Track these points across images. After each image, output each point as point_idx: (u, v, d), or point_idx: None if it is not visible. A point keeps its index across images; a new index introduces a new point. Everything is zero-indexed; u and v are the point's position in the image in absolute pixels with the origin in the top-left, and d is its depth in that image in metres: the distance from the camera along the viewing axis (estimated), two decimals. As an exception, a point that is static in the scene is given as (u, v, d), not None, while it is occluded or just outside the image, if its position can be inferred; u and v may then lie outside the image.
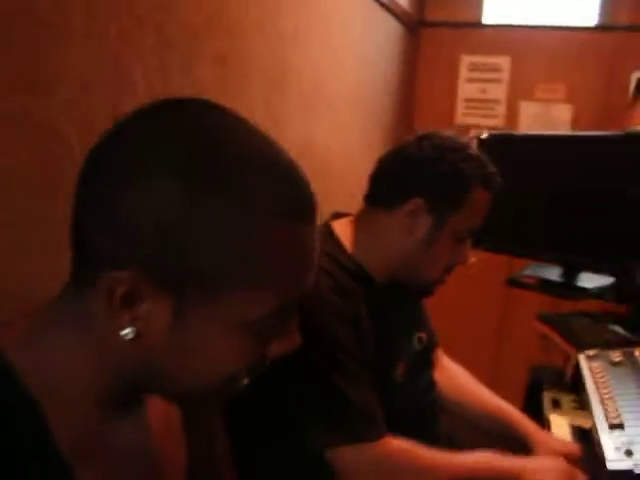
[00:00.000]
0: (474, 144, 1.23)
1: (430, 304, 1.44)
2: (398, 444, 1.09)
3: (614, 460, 0.98)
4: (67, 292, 0.59)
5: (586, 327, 1.73)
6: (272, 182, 0.54)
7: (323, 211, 1.87)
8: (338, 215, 1.29)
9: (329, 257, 1.15)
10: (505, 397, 2.50)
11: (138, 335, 0.54)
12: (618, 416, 1.10)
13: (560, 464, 1.14)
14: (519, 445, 1.33)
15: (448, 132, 1.21)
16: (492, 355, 2.29)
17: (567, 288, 1.86)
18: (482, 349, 2.33)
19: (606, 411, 1.13)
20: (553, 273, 1.91)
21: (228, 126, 0.56)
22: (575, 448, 1.26)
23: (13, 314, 0.60)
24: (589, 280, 1.85)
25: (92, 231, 0.53)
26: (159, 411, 0.69)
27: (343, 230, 1.22)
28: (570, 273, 1.86)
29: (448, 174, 1.14)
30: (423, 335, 1.35)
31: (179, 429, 0.73)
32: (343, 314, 1.10)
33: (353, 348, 1.09)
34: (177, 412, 0.72)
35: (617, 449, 1.00)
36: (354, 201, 2.05)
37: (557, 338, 1.70)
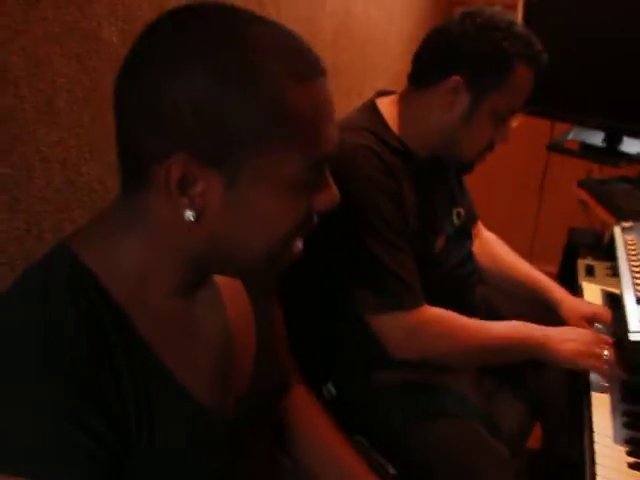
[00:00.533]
0: (519, 19, 1.20)
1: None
2: (433, 312, 1.19)
3: (637, 332, 1.06)
4: (121, 200, 0.67)
5: (626, 194, 1.74)
6: (283, 55, 0.60)
7: (366, 78, 1.86)
8: (383, 93, 1.32)
9: (375, 135, 1.20)
10: (544, 260, 2.59)
11: (198, 215, 0.61)
12: (646, 289, 1.16)
13: (585, 333, 1.22)
14: (551, 312, 1.42)
15: (493, 8, 1.19)
16: (532, 219, 2.33)
17: (609, 153, 1.85)
18: (522, 213, 2.37)
19: (635, 284, 1.19)
20: (596, 138, 1.89)
21: (244, 21, 0.61)
22: (604, 311, 1.34)
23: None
24: (633, 145, 1.84)
25: (136, 132, 0.60)
26: (231, 298, 0.78)
27: (388, 108, 1.26)
28: (613, 138, 1.85)
29: (489, 53, 1.14)
30: (462, 210, 1.40)
31: (249, 314, 0.82)
32: (387, 191, 1.16)
33: (395, 222, 1.16)
34: (246, 298, 0.82)
35: (642, 321, 1.07)
36: (395, 65, 2.03)
37: (596, 206, 1.73)
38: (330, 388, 1.30)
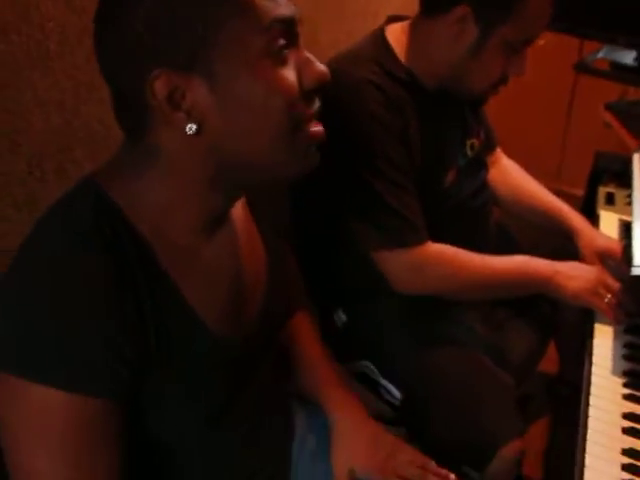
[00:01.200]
0: None
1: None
2: (436, 249, 1.19)
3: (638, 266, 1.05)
4: (129, 145, 0.70)
5: (654, 117, 1.68)
6: None
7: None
8: (394, 18, 1.28)
9: (380, 67, 1.17)
10: (571, 183, 2.54)
11: (199, 125, 0.64)
12: (657, 220, 1.14)
13: (590, 271, 1.22)
14: (568, 240, 1.41)
15: None
16: (559, 143, 2.27)
17: (641, 73, 1.77)
18: (549, 136, 2.31)
19: (647, 214, 1.17)
20: (627, 57, 1.81)
21: None
22: (618, 246, 1.32)
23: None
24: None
25: (117, 72, 0.65)
26: (245, 237, 0.82)
27: (397, 37, 1.22)
28: (646, 57, 1.76)
29: None
30: (475, 141, 1.37)
31: (261, 251, 0.86)
32: (392, 127, 1.14)
33: (399, 160, 1.15)
34: (258, 238, 0.86)
35: (647, 254, 1.07)
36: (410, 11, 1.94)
37: (620, 129, 1.68)
38: (341, 315, 1.34)
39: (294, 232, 1.36)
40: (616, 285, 1.18)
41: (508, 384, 1.21)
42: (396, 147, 1.15)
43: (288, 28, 0.66)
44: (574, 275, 1.20)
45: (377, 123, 1.13)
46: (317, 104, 0.70)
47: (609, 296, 1.17)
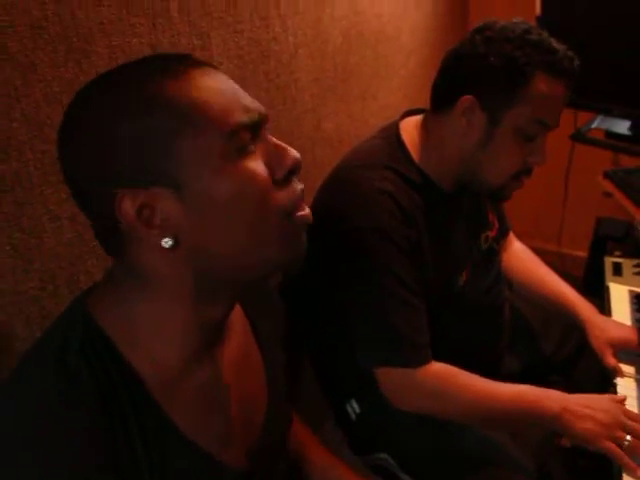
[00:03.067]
0: (538, 9, 1.12)
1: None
2: (437, 370, 1.14)
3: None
4: (116, 265, 0.69)
5: (654, 185, 1.71)
6: (153, 64, 0.64)
7: (381, 79, 1.84)
8: (409, 112, 1.27)
9: (395, 173, 1.14)
10: (572, 246, 2.56)
11: (175, 237, 0.62)
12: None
13: (607, 410, 1.08)
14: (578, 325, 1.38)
15: (511, 21, 1.12)
16: (559, 207, 2.30)
17: (636, 142, 1.81)
18: (549, 201, 2.34)
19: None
20: (621, 126, 1.85)
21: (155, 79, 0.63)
22: (632, 336, 1.28)
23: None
24: (660, 133, 1.79)
25: (87, 192, 0.64)
26: (241, 356, 0.79)
27: (411, 135, 1.20)
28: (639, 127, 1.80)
29: (499, 66, 1.08)
30: (490, 233, 1.35)
31: (260, 369, 0.83)
32: (402, 242, 1.11)
33: (407, 277, 1.12)
34: (257, 353, 0.83)
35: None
36: (411, 61, 2.00)
37: (622, 198, 1.70)
38: (354, 405, 1.32)
39: (304, 328, 1.34)
40: (637, 425, 1.05)
41: (528, 468, 1.18)
42: (405, 263, 1.11)
43: (253, 128, 0.65)
44: (585, 414, 1.07)
45: (387, 239, 1.09)
46: (299, 187, 0.68)
47: (628, 438, 1.03)
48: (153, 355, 0.67)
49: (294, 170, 0.67)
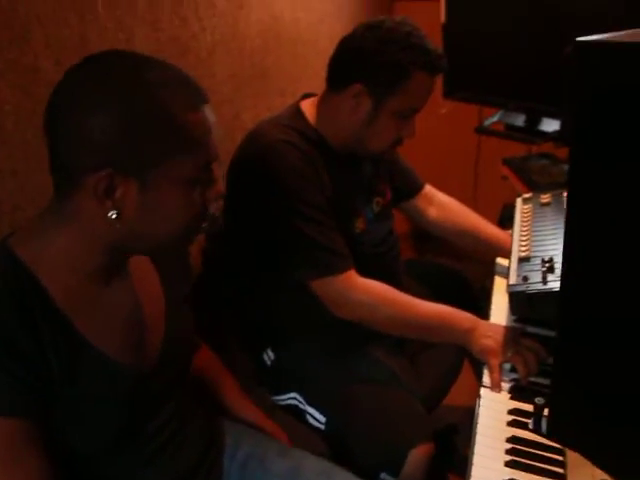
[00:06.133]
0: (442, 6, 1.40)
1: (409, 152, 1.72)
2: (364, 281, 1.41)
3: (513, 285, 1.31)
4: (55, 202, 0.89)
5: (542, 169, 1.99)
6: (177, 93, 0.86)
7: (300, 78, 2.09)
8: (308, 95, 1.57)
9: (294, 130, 1.44)
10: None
11: (120, 213, 0.85)
12: (527, 250, 1.40)
13: (507, 335, 1.32)
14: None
15: (396, 20, 1.41)
16: (469, 196, 2.59)
17: (530, 133, 2.10)
18: (460, 190, 2.63)
19: (520, 246, 1.43)
20: (518, 119, 2.14)
21: (134, 62, 0.87)
22: None
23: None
24: (551, 125, 2.08)
25: (70, 153, 0.83)
26: (140, 279, 1.01)
27: (309, 108, 1.51)
28: (533, 119, 2.09)
29: (386, 64, 1.37)
30: (380, 199, 1.64)
31: (158, 291, 1.06)
32: (309, 177, 1.40)
33: (318, 202, 1.40)
34: (156, 279, 1.06)
35: (518, 276, 1.32)
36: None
37: (515, 180, 1.98)
38: (269, 353, 1.55)
39: (225, 281, 1.59)
40: (529, 342, 1.29)
41: (414, 400, 1.42)
42: (315, 192, 1.40)
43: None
44: (489, 335, 1.32)
45: (296, 174, 1.38)
46: (216, 208, 0.94)
47: (510, 352, 1.27)
48: (60, 276, 0.88)
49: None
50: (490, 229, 1.79)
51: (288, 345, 1.54)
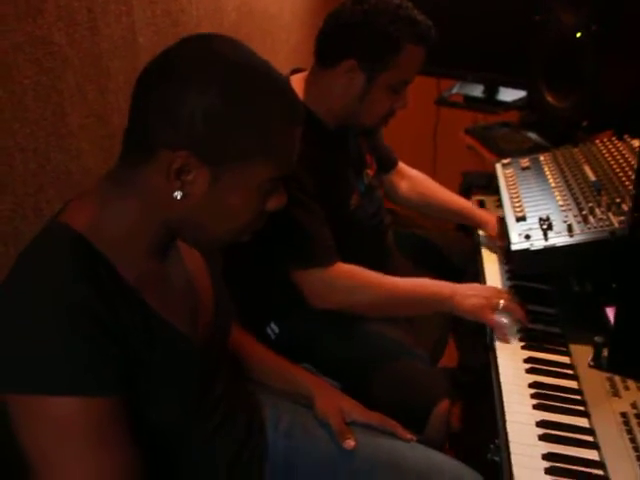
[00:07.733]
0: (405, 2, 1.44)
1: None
2: (346, 268, 1.44)
3: (516, 243, 1.38)
4: (118, 171, 0.89)
5: (505, 136, 2.10)
6: (282, 104, 0.87)
7: (267, 51, 2.10)
8: (296, 70, 1.56)
9: None
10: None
11: (185, 196, 0.85)
12: (522, 210, 1.49)
13: (487, 289, 1.43)
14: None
15: None
16: (429, 167, 2.68)
17: (489, 103, 2.20)
18: (420, 163, 2.72)
19: (514, 207, 1.51)
20: (477, 90, 2.23)
21: (247, 56, 0.88)
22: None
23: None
24: (508, 94, 2.19)
25: (155, 123, 0.83)
26: (190, 256, 1.03)
27: (298, 84, 1.49)
28: (491, 89, 2.19)
29: (376, 37, 1.39)
30: (369, 171, 1.68)
31: (204, 267, 1.07)
32: (303, 160, 1.39)
33: (312, 189, 1.41)
34: (199, 257, 1.06)
35: (519, 235, 1.40)
36: (292, 38, 2.28)
37: (481, 149, 2.07)
38: (273, 327, 1.57)
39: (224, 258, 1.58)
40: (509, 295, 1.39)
41: (423, 356, 1.50)
42: (308, 177, 1.40)
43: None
44: (471, 294, 1.38)
45: None
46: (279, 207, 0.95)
47: (502, 301, 1.35)
48: (125, 253, 0.87)
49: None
50: (454, 198, 1.88)
51: (290, 317, 1.56)
